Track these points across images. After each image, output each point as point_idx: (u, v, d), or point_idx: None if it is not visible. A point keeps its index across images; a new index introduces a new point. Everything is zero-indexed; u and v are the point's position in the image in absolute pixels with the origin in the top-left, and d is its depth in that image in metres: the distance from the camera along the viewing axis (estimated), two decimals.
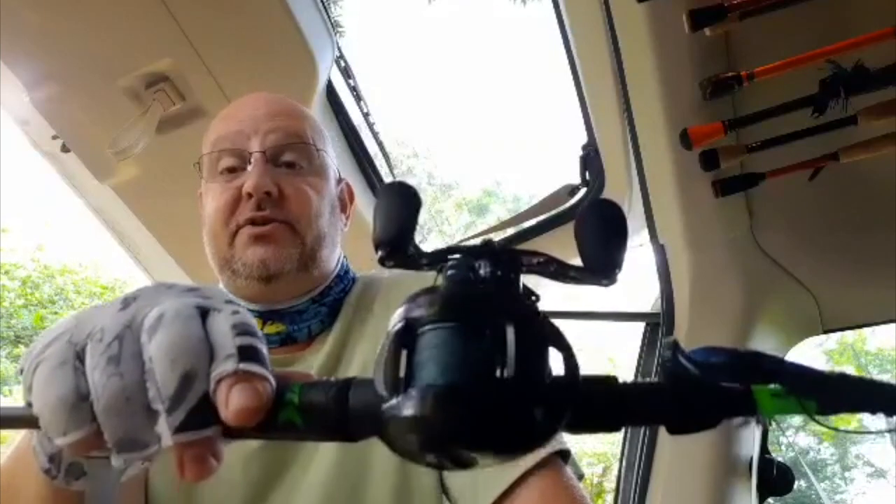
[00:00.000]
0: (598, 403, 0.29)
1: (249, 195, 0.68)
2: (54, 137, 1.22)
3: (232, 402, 0.29)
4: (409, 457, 0.28)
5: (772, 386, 0.29)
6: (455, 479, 0.64)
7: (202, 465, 0.30)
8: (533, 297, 0.31)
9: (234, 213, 0.70)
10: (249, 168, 0.70)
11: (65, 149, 1.23)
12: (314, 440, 0.32)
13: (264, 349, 0.32)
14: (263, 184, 0.68)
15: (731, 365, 0.30)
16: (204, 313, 0.32)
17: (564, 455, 0.62)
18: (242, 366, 0.30)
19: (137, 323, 0.31)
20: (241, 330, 0.32)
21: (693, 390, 0.29)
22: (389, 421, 0.27)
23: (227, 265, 0.70)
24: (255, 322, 0.33)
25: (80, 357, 0.31)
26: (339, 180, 0.82)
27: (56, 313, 6.73)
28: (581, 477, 0.65)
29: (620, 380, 0.29)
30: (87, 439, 0.30)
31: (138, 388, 0.30)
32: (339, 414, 0.30)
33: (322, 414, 0.30)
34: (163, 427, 0.30)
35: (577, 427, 0.29)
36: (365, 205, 1.46)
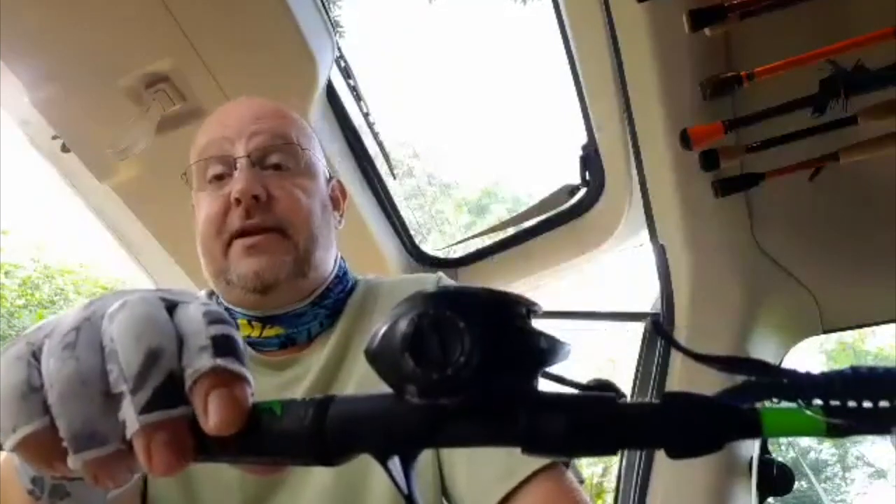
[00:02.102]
0: (593, 425, 0.27)
1: (238, 201, 0.68)
2: (54, 137, 1.22)
3: (212, 412, 0.28)
4: (388, 364, 0.27)
5: (776, 404, 0.27)
6: (456, 485, 0.64)
7: (173, 451, 0.27)
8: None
9: (225, 221, 0.69)
10: (236, 174, 0.69)
11: (65, 149, 1.23)
12: (290, 463, 0.30)
13: (239, 338, 0.30)
14: (250, 188, 0.67)
15: (729, 360, 0.29)
16: (172, 306, 0.31)
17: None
18: (220, 362, 0.28)
19: (98, 315, 0.30)
20: (214, 318, 0.30)
21: (694, 411, 0.27)
22: (386, 316, 0.27)
23: (222, 276, 0.70)
24: (225, 312, 0.32)
25: (36, 355, 0.29)
26: (330, 179, 0.82)
27: (56, 313, 6.73)
28: (582, 481, 0.65)
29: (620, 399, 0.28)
30: (38, 434, 0.28)
31: (96, 372, 0.28)
32: (317, 430, 0.28)
33: (299, 430, 0.29)
34: (127, 410, 0.27)
35: (572, 450, 0.28)
36: (365, 205, 1.46)
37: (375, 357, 0.27)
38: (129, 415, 0.27)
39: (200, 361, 0.28)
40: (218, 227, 0.69)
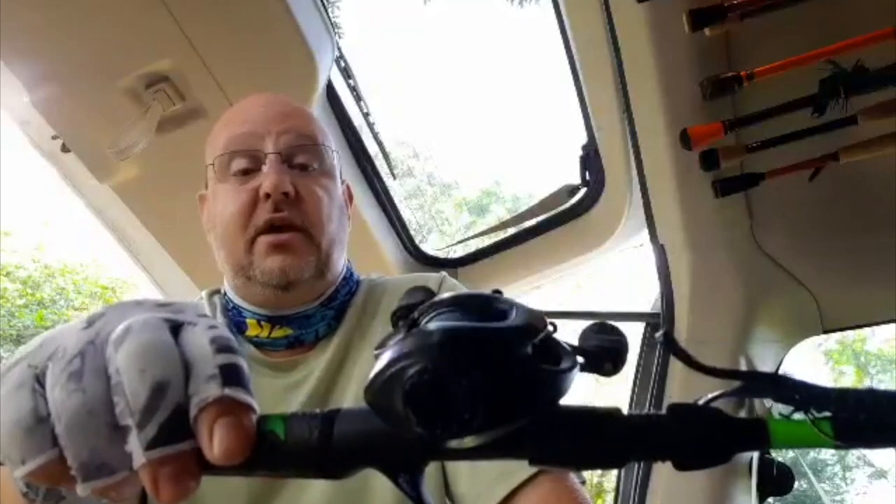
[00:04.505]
0: (601, 439, 0.27)
1: (267, 196, 0.68)
2: (54, 137, 1.22)
3: (217, 442, 0.27)
4: (388, 411, 0.26)
5: (783, 413, 0.27)
6: (459, 485, 0.64)
7: (178, 484, 0.28)
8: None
9: (251, 216, 0.69)
10: (265, 169, 0.69)
11: (65, 149, 1.23)
12: (296, 476, 0.30)
13: (246, 367, 0.30)
14: (282, 184, 0.68)
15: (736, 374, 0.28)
16: (176, 327, 0.30)
17: None
18: (228, 391, 0.28)
19: (102, 338, 0.29)
20: (222, 345, 0.30)
21: (701, 423, 0.27)
22: (385, 361, 0.26)
23: (243, 272, 0.70)
24: (232, 337, 0.31)
25: (40, 380, 0.29)
26: (342, 181, 0.82)
27: (57, 313, 6.74)
28: (583, 482, 0.65)
29: (625, 412, 0.28)
30: (48, 466, 0.28)
31: (102, 402, 0.28)
32: (324, 446, 0.28)
33: (306, 447, 0.28)
34: (133, 444, 0.27)
35: (579, 462, 0.27)
36: (365, 205, 1.46)
37: (375, 402, 0.27)
38: (136, 449, 0.27)
39: (208, 390, 0.28)
40: (244, 221, 0.69)
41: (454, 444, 0.26)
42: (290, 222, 0.69)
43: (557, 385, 0.27)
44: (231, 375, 0.29)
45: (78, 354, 0.29)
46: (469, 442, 0.26)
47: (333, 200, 0.74)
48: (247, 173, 0.71)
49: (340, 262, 0.76)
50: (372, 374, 0.27)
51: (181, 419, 0.28)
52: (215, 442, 0.28)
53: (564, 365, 0.27)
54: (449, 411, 0.25)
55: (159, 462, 0.27)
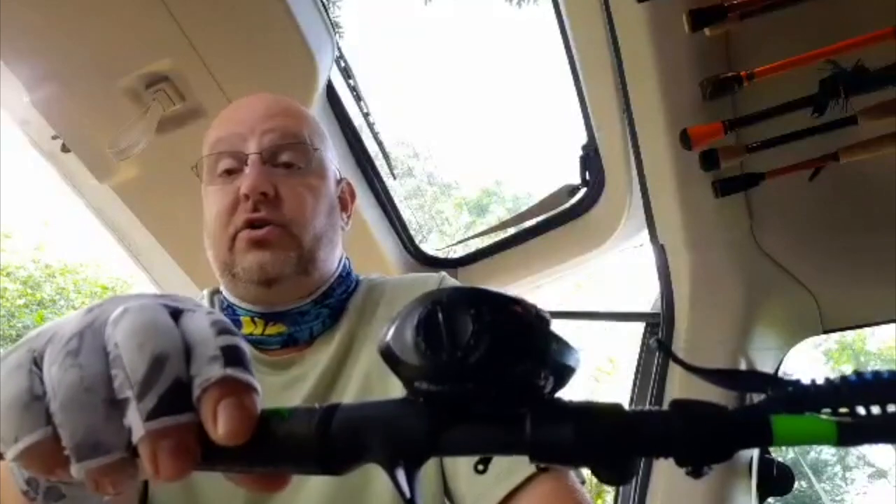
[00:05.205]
0: (601, 434, 0.27)
1: (246, 196, 0.68)
2: (54, 137, 1.22)
3: (221, 422, 0.27)
4: (398, 352, 0.27)
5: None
6: (459, 485, 0.64)
7: (178, 459, 0.27)
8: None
9: (233, 216, 0.69)
10: (246, 170, 0.70)
11: (65, 149, 1.23)
12: (295, 470, 0.30)
13: (247, 349, 0.30)
14: (259, 184, 0.68)
15: (732, 374, 0.28)
16: (176, 313, 0.30)
17: None
18: (230, 371, 0.28)
19: (100, 321, 0.29)
20: (222, 328, 0.30)
21: (703, 420, 0.27)
22: (399, 311, 0.28)
23: (228, 269, 0.70)
24: (231, 322, 0.31)
25: (37, 363, 0.29)
26: (340, 180, 0.82)
27: (57, 313, 6.74)
28: (583, 482, 0.65)
29: (627, 408, 0.28)
30: (41, 444, 0.27)
31: (100, 379, 0.27)
32: (323, 435, 0.28)
33: (305, 436, 0.28)
34: (132, 416, 0.27)
35: (579, 458, 0.27)
36: (365, 205, 1.46)
37: (388, 346, 0.28)
38: (135, 421, 0.27)
39: (210, 371, 0.28)
40: (226, 220, 0.70)
41: (450, 391, 0.27)
42: (268, 221, 0.69)
43: (558, 344, 0.27)
44: (233, 356, 0.29)
45: (76, 335, 0.29)
46: (470, 378, 0.26)
47: (320, 198, 0.74)
48: (231, 173, 0.71)
49: (331, 261, 0.75)
50: (386, 325, 0.28)
51: (181, 393, 0.28)
52: (219, 422, 0.27)
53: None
54: (455, 336, 0.26)
55: (159, 434, 0.27)
